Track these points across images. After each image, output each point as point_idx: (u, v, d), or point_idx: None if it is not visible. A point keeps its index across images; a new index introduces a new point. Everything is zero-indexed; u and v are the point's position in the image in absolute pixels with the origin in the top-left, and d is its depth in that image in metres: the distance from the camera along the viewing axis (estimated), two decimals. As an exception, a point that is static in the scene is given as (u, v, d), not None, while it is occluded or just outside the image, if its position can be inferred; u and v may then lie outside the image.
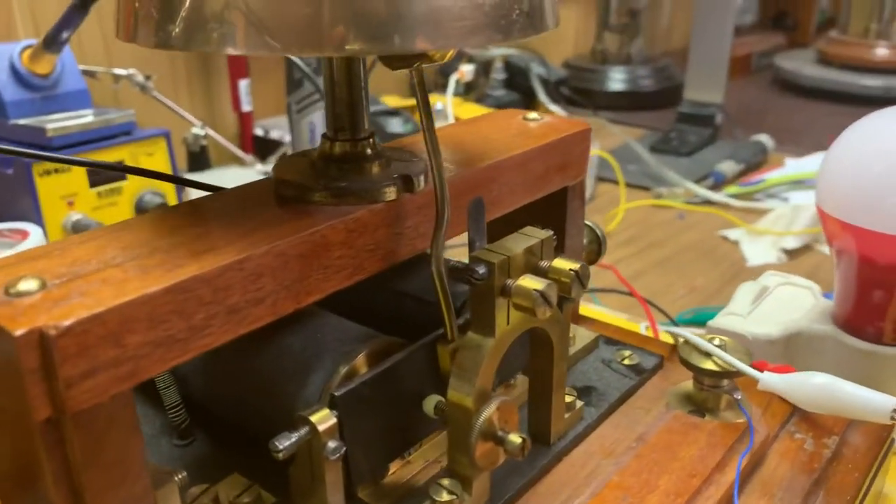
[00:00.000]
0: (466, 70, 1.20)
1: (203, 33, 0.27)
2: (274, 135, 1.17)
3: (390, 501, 0.34)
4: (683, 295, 0.81)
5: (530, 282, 0.31)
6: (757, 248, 0.91)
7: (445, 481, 0.33)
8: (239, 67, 1.14)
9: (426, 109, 0.32)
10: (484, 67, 1.24)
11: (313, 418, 0.29)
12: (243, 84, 1.15)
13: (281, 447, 0.29)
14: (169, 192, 0.93)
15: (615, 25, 1.50)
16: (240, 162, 1.16)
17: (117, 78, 1.03)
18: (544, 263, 0.34)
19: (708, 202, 1.05)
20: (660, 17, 2.00)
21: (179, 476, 0.29)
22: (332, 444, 0.29)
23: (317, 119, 0.96)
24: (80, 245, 0.29)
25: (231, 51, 0.27)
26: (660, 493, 0.35)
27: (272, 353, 0.33)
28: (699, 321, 0.68)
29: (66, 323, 0.24)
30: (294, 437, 0.29)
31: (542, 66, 1.27)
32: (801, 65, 1.80)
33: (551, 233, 0.34)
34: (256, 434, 0.33)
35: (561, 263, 0.34)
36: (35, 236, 0.75)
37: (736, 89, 1.62)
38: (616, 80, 1.55)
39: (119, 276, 0.27)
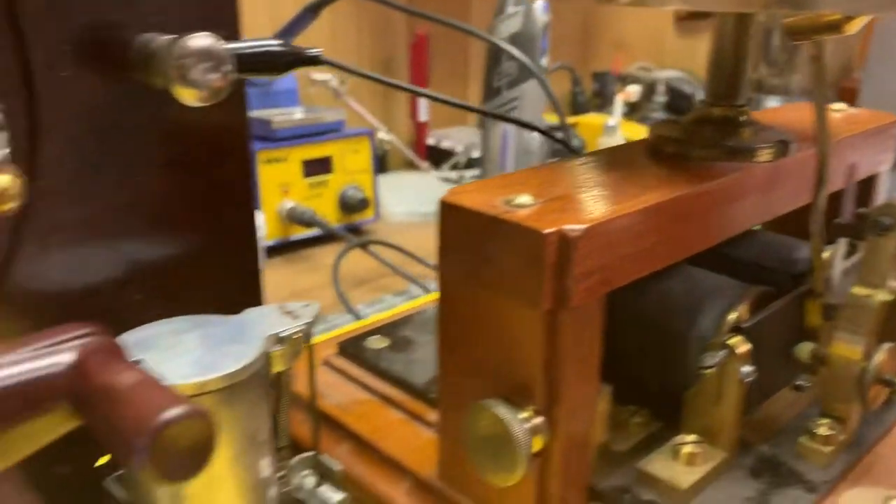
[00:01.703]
0: (632, 91, 1.24)
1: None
2: (445, 145, 1.23)
3: (767, 435, 0.36)
4: None
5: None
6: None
7: (821, 420, 0.35)
8: (421, 77, 1.20)
9: (821, 82, 0.35)
10: (647, 89, 1.28)
11: (731, 342, 0.32)
12: (422, 94, 1.21)
13: (709, 364, 0.32)
14: (367, 187, 0.98)
15: (775, 59, 1.52)
16: (414, 168, 1.21)
17: (314, 81, 1.10)
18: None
19: None
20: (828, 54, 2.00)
21: (606, 388, 0.33)
22: (746, 368, 0.32)
23: (510, 128, 1.00)
24: (531, 178, 0.33)
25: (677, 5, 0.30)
26: None
27: (654, 294, 0.37)
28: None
29: (583, 227, 0.28)
30: (717, 356, 0.32)
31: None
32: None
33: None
34: (640, 365, 0.36)
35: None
36: (257, 219, 0.81)
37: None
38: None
39: (594, 198, 0.31)
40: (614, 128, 1.17)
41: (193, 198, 0.34)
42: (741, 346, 0.33)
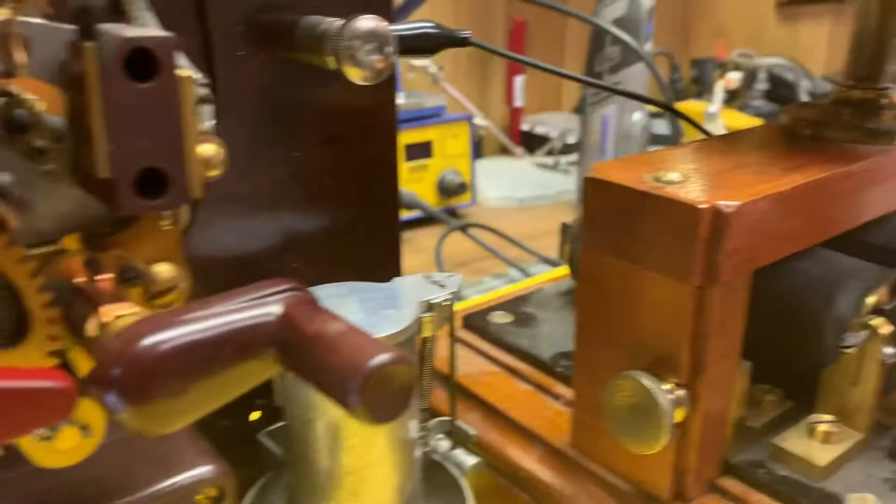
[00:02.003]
0: (733, 77, 1.21)
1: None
2: (539, 130, 1.23)
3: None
4: None
5: None
6: None
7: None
8: (517, 63, 1.21)
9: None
10: (748, 77, 1.25)
11: (874, 323, 0.32)
12: (518, 80, 1.22)
13: (850, 344, 0.32)
14: (465, 172, 1.00)
15: None
16: (507, 153, 1.22)
17: (412, 67, 1.12)
18: None
19: None
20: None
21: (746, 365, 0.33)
22: (889, 350, 0.32)
23: (610, 112, 1.00)
24: (673, 157, 0.34)
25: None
26: None
27: (790, 275, 0.37)
28: None
29: (737, 203, 0.29)
30: (859, 337, 0.32)
31: (807, 78, 1.26)
32: None
33: None
34: (773, 343, 0.37)
35: None
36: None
37: None
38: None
39: (740, 177, 0.31)
40: (714, 115, 1.15)
41: (346, 172, 0.36)
42: (884, 327, 0.33)
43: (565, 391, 0.40)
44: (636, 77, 0.96)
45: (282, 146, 0.34)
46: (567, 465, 0.36)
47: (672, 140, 1.14)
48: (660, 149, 0.36)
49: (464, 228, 0.89)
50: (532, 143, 1.23)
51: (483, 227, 0.90)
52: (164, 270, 0.26)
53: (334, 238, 0.37)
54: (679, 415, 0.31)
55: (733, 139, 0.37)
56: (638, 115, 1.00)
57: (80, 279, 0.24)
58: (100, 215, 0.25)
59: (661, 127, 1.19)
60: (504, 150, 1.23)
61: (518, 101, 1.24)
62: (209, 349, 0.21)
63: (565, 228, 0.46)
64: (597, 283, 0.33)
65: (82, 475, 0.27)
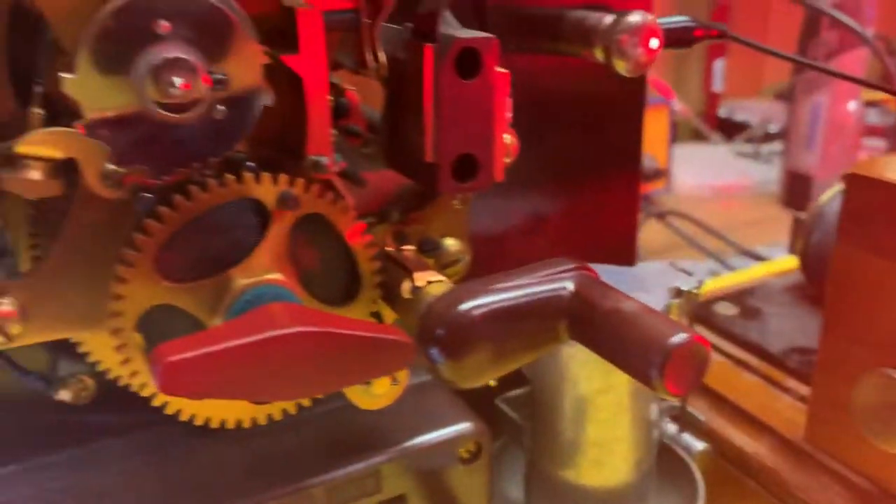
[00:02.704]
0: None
1: None
2: (739, 117, 1.19)
3: None
4: None
5: None
6: None
7: None
8: (720, 46, 1.17)
9: None
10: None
11: None
12: (718, 64, 1.18)
13: None
14: (661, 157, 0.99)
15: None
16: (702, 139, 1.19)
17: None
18: None
19: None
20: None
21: None
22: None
23: (822, 100, 0.96)
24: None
25: None
26: None
27: None
28: None
29: None
30: None
31: None
32: None
33: None
34: None
35: None
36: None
37: None
38: None
39: None
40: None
41: (594, 158, 0.38)
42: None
43: (796, 385, 0.40)
44: (855, 63, 0.91)
45: (537, 133, 0.37)
46: (800, 456, 0.37)
47: (890, 132, 1.07)
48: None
49: (661, 215, 0.89)
50: (730, 129, 1.20)
51: (682, 215, 0.89)
52: (452, 244, 0.29)
53: (578, 221, 0.39)
54: (937, 417, 0.30)
55: None
56: (853, 105, 0.95)
57: (389, 248, 0.27)
58: (408, 193, 0.28)
59: (874, 116, 1.12)
60: (698, 136, 1.21)
61: (717, 86, 1.20)
62: (514, 316, 0.24)
63: (798, 222, 0.45)
64: (850, 279, 0.33)
65: (372, 420, 0.30)
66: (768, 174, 1.03)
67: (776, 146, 1.07)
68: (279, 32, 0.23)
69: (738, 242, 0.84)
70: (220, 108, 0.22)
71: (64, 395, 0.29)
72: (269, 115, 0.23)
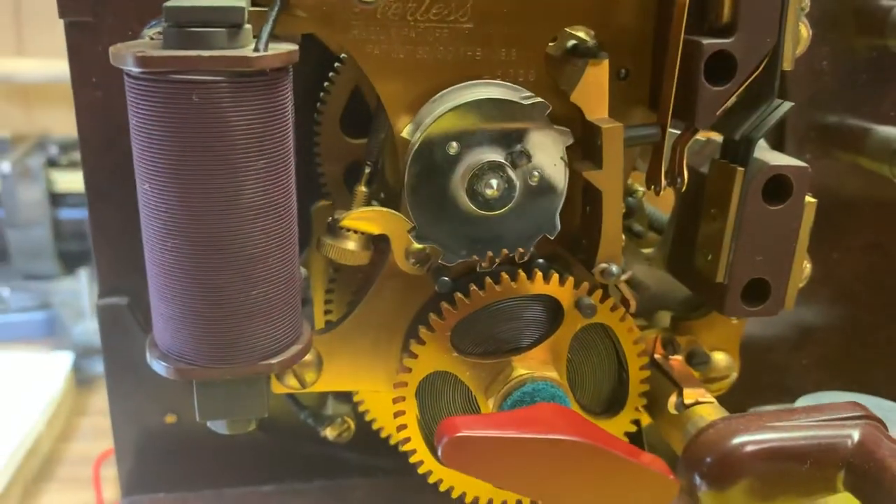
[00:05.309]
0: None
1: None
2: None
3: None
4: None
5: None
6: None
7: None
8: None
9: None
10: None
11: None
12: None
13: None
14: None
15: None
16: None
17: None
18: None
19: None
20: None
21: None
22: None
23: None
24: None
25: None
26: None
27: None
28: None
29: None
30: None
31: None
32: None
33: None
34: None
35: None
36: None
37: None
38: None
39: None
40: None
41: (878, 279, 0.35)
42: None
43: None
44: None
45: (821, 247, 0.35)
46: None
47: None
48: None
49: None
50: None
51: None
52: (722, 359, 0.28)
53: (849, 344, 0.36)
54: None
55: None
56: None
57: (658, 356, 0.27)
58: (684, 301, 0.27)
59: None
60: None
61: None
62: (789, 459, 0.23)
63: None
64: None
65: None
66: None
67: None
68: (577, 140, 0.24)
69: None
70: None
71: (329, 433, 0.31)
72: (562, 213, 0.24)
